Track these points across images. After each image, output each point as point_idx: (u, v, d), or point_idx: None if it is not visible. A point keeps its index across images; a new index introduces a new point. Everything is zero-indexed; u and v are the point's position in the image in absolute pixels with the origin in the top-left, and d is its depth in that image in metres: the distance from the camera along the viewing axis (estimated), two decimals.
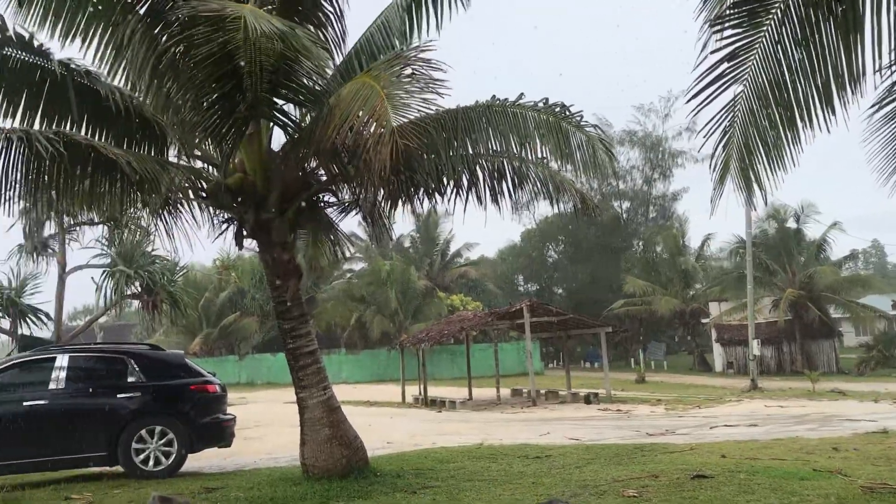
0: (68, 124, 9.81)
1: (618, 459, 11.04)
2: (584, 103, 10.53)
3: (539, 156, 10.05)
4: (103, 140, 9.90)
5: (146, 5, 8.64)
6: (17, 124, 9.57)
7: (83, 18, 9.62)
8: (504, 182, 10.13)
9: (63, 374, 11.36)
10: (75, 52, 9.43)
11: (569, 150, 9.64)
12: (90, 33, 9.53)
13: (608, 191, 61.54)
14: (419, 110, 8.46)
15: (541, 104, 9.78)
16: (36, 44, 9.35)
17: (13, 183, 8.79)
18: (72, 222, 19.91)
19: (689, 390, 34.18)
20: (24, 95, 9.67)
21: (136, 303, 23.86)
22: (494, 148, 10.05)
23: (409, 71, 8.61)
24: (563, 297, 62.58)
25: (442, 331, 30.11)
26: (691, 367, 53.32)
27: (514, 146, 9.91)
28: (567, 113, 9.74)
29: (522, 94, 9.86)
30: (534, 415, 23.44)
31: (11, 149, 8.56)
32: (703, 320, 53.63)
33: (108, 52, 9.62)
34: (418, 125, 8.52)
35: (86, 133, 9.88)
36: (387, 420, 21.92)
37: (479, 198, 10.15)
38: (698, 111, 6.59)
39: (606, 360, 30.31)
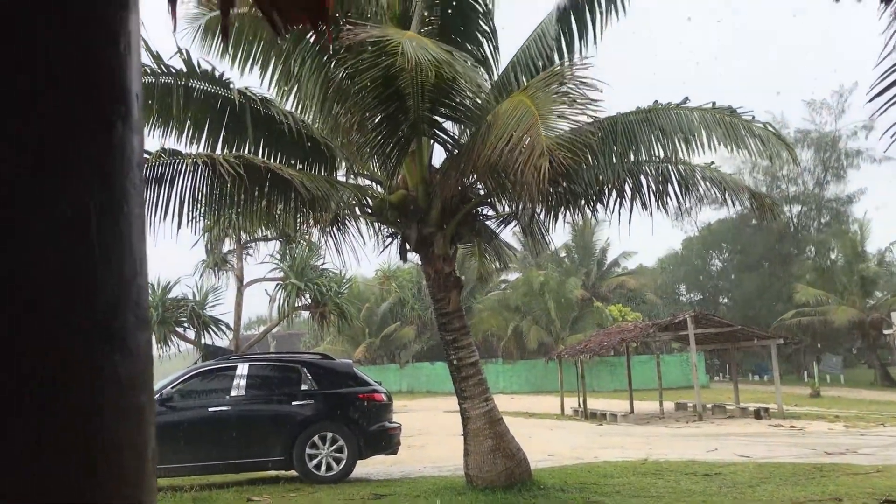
0: (247, 148, 10.50)
1: (794, 480, 10.37)
2: (755, 104, 10.03)
3: (706, 150, 9.66)
4: (278, 162, 10.51)
5: (315, 36, 9.12)
6: (201, 149, 10.34)
7: (258, 50, 10.33)
8: (670, 186, 9.85)
9: (243, 382, 12.14)
10: (251, 80, 10.12)
11: (739, 139, 9.25)
12: (264, 63, 10.23)
13: (777, 195, 58.24)
14: (574, 123, 8.45)
15: (707, 106, 9.45)
16: (217, 75, 10.08)
17: (199, 203, 9.51)
18: (249, 239, 21.36)
19: (870, 407, 31.60)
20: (208, 122, 10.42)
21: (305, 313, 25.13)
22: (658, 153, 9.81)
23: (563, 88, 8.60)
24: (728, 307, 59.75)
25: (601, 342, 29.52)
26: (872, 382, 49.27)
27: (679, 146, 9.62)
28: (735, 113, 9.35)
29: (687, 98, 9.57)
30: (700, 430, 22.47)
31: (198, 172, 9.26)
32: (886, 331, 49.38)
33: (281, 79, 10.29)
34: (574, 137, 8.48)
35: (263, 156, 10.54)
36: (546, 432, 21.75)
37: (643, 204, 9.93)
38: (885, 110, 6.11)
39: (777, 374, 28.59)
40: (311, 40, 9.34)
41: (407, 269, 53.69)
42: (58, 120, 0.85)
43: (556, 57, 10.43)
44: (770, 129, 9.56)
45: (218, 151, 10.35)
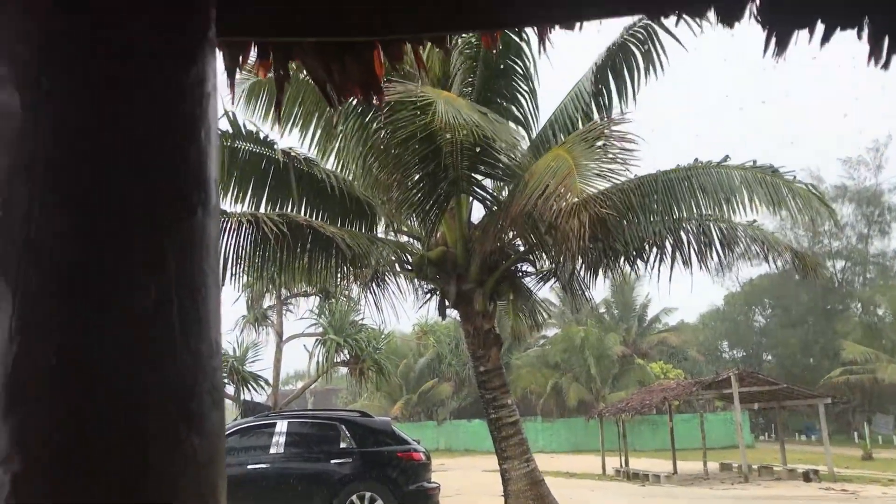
0: (290, 206, 10.69)
1: None
2: (793, 161, 10.00)
3: (748, 211, 9.63)
4: (320, 219, 10.68)
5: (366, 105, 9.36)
6: (245, 208, 10.55)
7: (300, 111, 10.60)
8: (711, 244, 9.79)
9: (282, 440, 12.12)
10: (293, 138, 10.38)
11: (780, 200, 9.20)
12: (306, 123, 10.49)
13: (819, 250, 57.27)
14: (613, 179, 8.49)
15: (748, 164, 9.43)
16: (262, 136, 10.34)
17: (242, 260, 9.67)
18: (289, 294, 21.57)
19: None
20: (252, 181, 10.66)
21: (343, 369, 25.13)
22: (699, 210, 9.77)
23: (601, 143, 8.68)
24: (772, 365, 58.34)
25: (643, 400, 28.98)
26: None
27: (720, 205, 9.59)
28: (777, 172, 9.31)
29: (728, 156, 9.56)
30: (746, 492, 21.79)
31: (242, 230, 9.44)
32: None
33: (323, 138, 10.54)
34: (613, 193, 8.52)
35: (305, 214, 10.72)
36: (588, 493, 21.26)
37: (685, 262, 9.86)
38: None
39: (826, 434, 27.70)
40: (353, 102, 9.57)
41: (444, 324, 53.56)
42: (146, 209, 0.90)
43: (593, 114, 10.53)
44: (812, 189, 9.51)
45: (261, 210, 10.55)
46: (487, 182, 10.34)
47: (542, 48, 2.22)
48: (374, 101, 2.35)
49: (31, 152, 0.85)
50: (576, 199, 7.71)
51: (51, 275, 0.84)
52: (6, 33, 0.88)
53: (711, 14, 2.05)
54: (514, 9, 1.90)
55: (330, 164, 10.92)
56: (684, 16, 2.11)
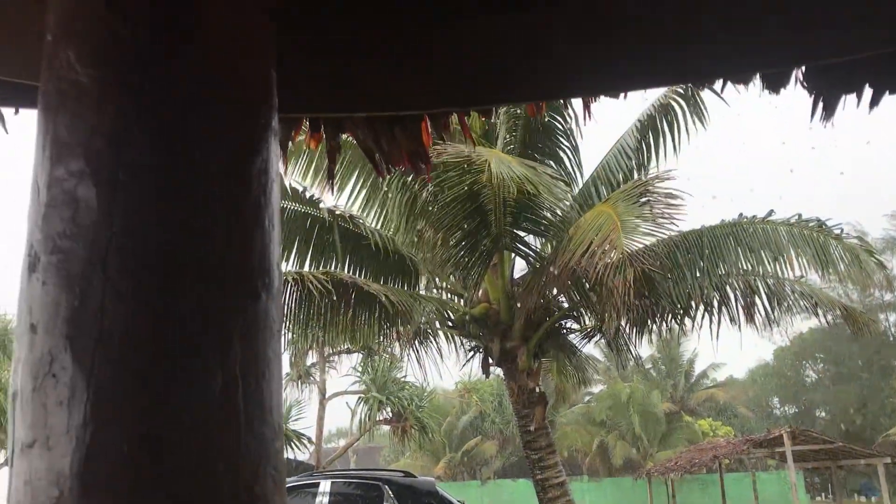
0: (334, 264, 10.81)
1: None
2: (839, 215, 9.86)
3: (795, 270, 9.49)
4: (363, 277, 10.76)
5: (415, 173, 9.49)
6: (290, 266, 10.69)
7: (344, 170, 10.79)
8: (759, 300, 9.63)
9: (326, 500, 12.01)
10: (337, 197, 10.54)
11: (829, 260, 9.04)
12: (350, 182, 10.66)
13: (871, 303, 55.77)
14: (657, 235, 8.46)
15: (793, 219, 9.31)
16: (308, 196, 10.54)
17: (286, 318, 9.76)
18: (332, 352, 21.62)
19: None
20: (297, 240, 10.81)
21: (386, 427, 24.98)
22: (745, 266, 9.65)
23: (645, 199, 8.67)
24: (826, 421, 56.44)
25: (692, 459, 28.22)
26: None
27: (766, 262, 9.47)
28: (824, 226, 9.17)
29: (772, 210, 9.46)
30: None
31: (287, 288, 9.55)
32: None
33: (366, 196, 10.69)
34: (659, 249, 8.48)
35: (348, 271, 10.82)
36: None
37: (731, 318, 9.70)
38: None
39: (886, 495, 26.61)
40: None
41: (487, 381, 53.03)
42: (214, 296, 0.93)
43: (637, 170, 10.53)
44: (860, 243, 9.35)
45: (306, 267, 10.68)
46: (530, 238, 10.35)
47: (586, 117, 2.25)
48: (422, 170, 2.39)
49: (106, 245, 0.89)
50: (620, 256, 7.67)
51: (123, 363, 0.87)
52: (83, 127, 0.93)
53: (757, 80, 2.06)
54: (560, 81, 1.93)
55: (372, 220, 11.06)
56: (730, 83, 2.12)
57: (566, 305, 10.61)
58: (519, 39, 1.77)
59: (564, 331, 11.05)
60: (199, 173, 0.96)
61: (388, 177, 10.17)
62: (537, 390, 10.25)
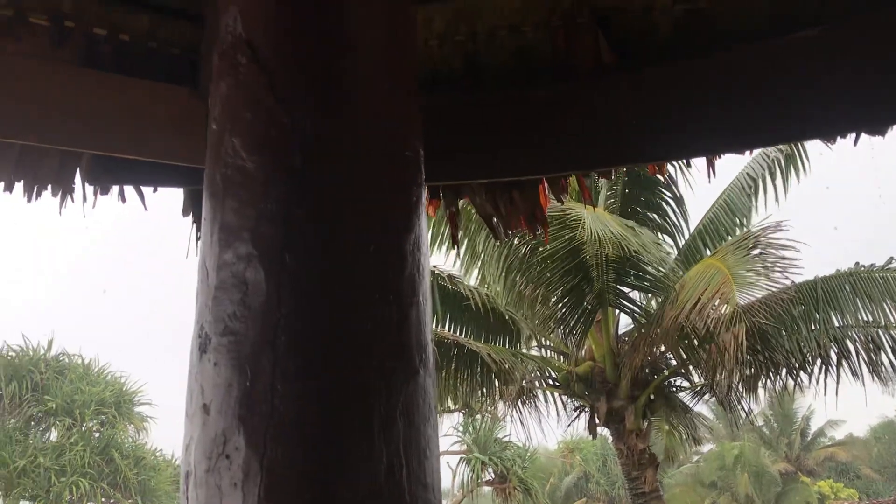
0: (435, 323, 10.85)
1: None
2: None
3: None
4: (465, 335, 10.75)
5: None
6: None
7: (444, 230, 10.89)
8: (883, 353, 9.08)
9: None
10: (438, 258, 10.66)
11: None
12: (446, 243, 10.74)
13: None
14: (770, 288, 8.16)
15: None
16: None
17: None
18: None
19: None
20: None
21: (488, 488, 24.56)
22: (865, 318, 9.15)
23: (757, 251, 8.40)
24: None
25: None
26: None
27: (889, 314, 8.96)
28: None
29: (892, 258, 8.97)
30: None
31: None
32: None
33: (467, 255, 10.74)
34: (772, 302, 8.16)
35: (450, 330, 10.83)
36: None
37: (853, 372, 9.17)
38: None
39: None
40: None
41: (591, 440, 51.65)
42: (377, 374, 0.94)
43: (745, 222, 10.24)
44: None
45: None
46: (635, 294, 10.14)
47: (710, 175, 2.20)
48: (539, 233, 2.39)
49: (275, 326, 0.91)
50: (733, 310, 7.41)
51: (294, 444, 0.89)
52: (250, 212, 0.96)
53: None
54: (683, 144, 1.91)
55: (473, 278, 11.08)
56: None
57: (674, 363, 10.27)
58: (641, 100, 1.76)
59: (673, 389, 10.68)
60: (357, 253, 0.98)
61: (487, 235, 10.21)
62: (647, 451, 9.89)
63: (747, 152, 2.21)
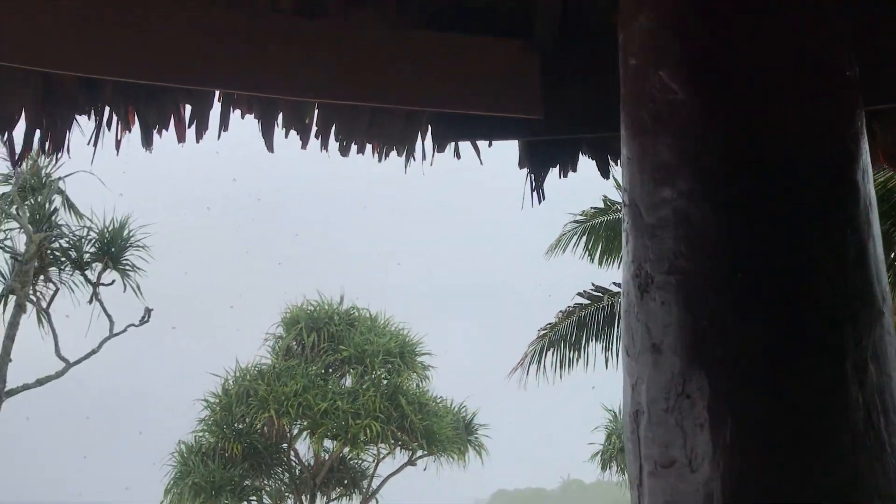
0: None
1: None
2: None
3: None
4: None
5: None
6: None
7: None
8: None
9: None
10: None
11: None
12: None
13: None
14: None
15: None
16: None
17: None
18: None
19: None
20: None
21: None
22: None
23: None
24: None
25: None
26: None
27: None
28: None
29: None
30: None
31: None
32: None
33: None
34: None
35: None
36: None
37: None
38: None
39: None
40: None
41: None
42: (842, 314, 0.87)
43: None
44: None
45: None
46: None
47: None
48: None
49: (729, 263, 0.87)
50: None
51: (759, 387, 0.85)
52: (689, 147, 0.92)
53: None
54: None
55: None
56: None
57: None
58: None
59: None
60: (808, 183, 0.91)
61: None
62: None
63: None
